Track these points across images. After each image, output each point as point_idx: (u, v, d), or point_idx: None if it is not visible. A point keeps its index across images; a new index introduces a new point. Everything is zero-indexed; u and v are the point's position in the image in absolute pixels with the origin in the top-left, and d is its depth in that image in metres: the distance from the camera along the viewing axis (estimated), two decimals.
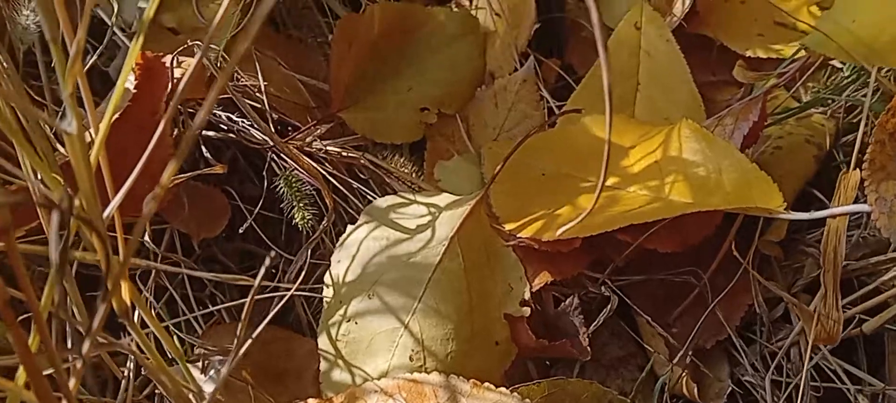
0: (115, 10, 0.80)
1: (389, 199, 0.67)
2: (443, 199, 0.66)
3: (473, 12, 0.85)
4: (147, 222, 0.69)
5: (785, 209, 0.57)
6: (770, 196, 0.58)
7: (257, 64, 0.75)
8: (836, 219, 0.55)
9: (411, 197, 0.67)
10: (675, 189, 0.63)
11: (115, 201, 0.44)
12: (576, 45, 0.86)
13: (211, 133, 0.77)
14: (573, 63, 0.86)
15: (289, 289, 0.64)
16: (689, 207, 0.60)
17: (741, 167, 0.61)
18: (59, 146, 0.71)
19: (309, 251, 0.71)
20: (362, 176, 0.75)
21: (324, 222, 0.70)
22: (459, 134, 0.76)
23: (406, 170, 0.76)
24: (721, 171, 0.62)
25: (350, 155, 0.72)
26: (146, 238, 0.69)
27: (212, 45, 0.76)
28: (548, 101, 0.77)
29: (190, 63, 0.75)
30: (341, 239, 0.67)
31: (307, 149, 0.73)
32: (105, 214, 0.44)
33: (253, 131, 0.72)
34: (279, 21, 0.88)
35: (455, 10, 0.85)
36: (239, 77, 0.76)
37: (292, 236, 0.80)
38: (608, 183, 0.67)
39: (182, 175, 0.70)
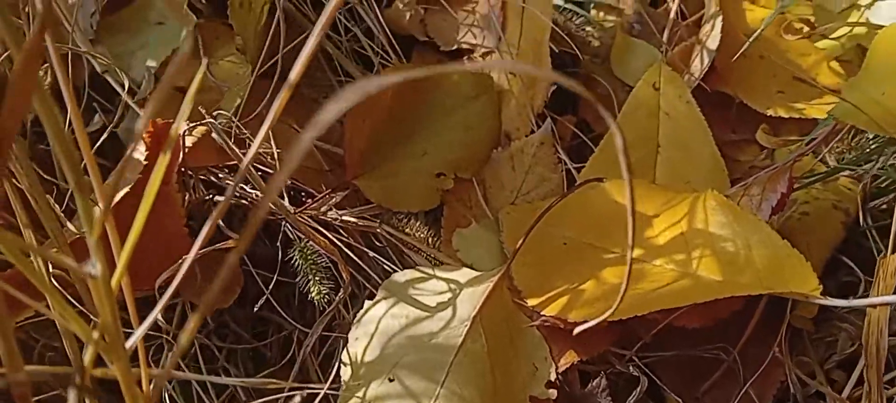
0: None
1: (408, 274, 0.65)
2: (463, 275, 0.64)
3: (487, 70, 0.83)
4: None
5: (820, 293, 0.55)
6: (804, 278, 0.56)
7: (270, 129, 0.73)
8: (877, 310, 0.52)
9: (430, 271, 0.65)
10: (703, 264, 0.61)
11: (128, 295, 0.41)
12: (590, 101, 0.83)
13: (222, 198, 0.75)
14: (588, 120, 0.83)
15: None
16: (720, 287, 0.58)
17: (772, 244, 0.59)
18: (69, 224, 0.68)
19: (324, 323, 0.68)
20: (379, 244, 0.72)
21: (339, 294, 0.67)
22: (476, 198, 0.73)
23: (422, 235, 0.73)
24: (750, 247, 0.60)
25: (366, 224, 0.69)
26: (159, 317, 0.66)
27: (222, 111, 0.73)
28: (565, 164, 0.74)
29: (201, 129, 0.72)
30: (359, 315, 0.64)
31: (322, 217, 0.70)
32: (113, 283, 0.41)
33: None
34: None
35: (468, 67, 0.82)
36: (250, 142, 0.73)
37: (306, 300, 0.77)
38: (632, 254, 0.64)
39: (198, 251, 0.67)
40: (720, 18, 0.77)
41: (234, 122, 0.72)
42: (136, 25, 0.89)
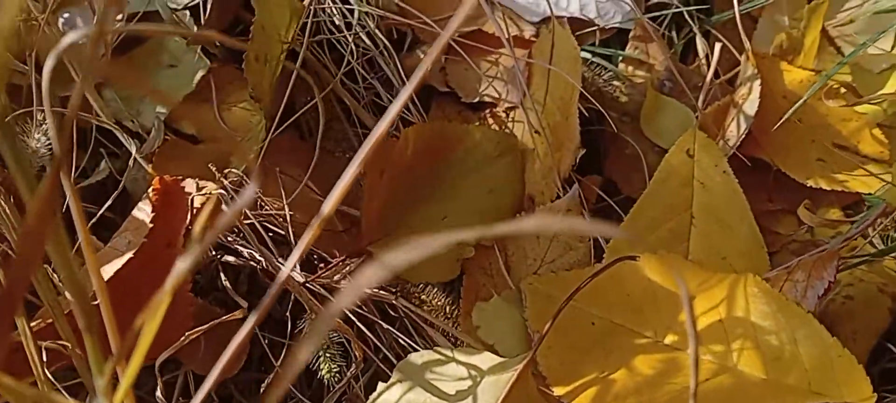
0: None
1: (425, 355, 0.60)
2: (485, 360, 0.58)
3: (510, 125, 0.78)
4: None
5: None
6: (857, 384, 0.51)
7: (282, 188, 0.68)
8: None
9: (449, 353, 0.59)
10: (745, 359, 0.55)
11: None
12: (617, 160, 0.78)
13: (230, 258, 0.70)
14: (615, 180, 0.78)
15: None
16: (764, 388, 0.52)
17: (821, 341, 0.53)
18: (66, 294, 0.63)
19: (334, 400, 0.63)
20: (394, 314, 0.67)
21: (351, 369, 0.62)
22: (498, 266, 0.68)
23: (440, 303, 0.68)
24: (796, 343, 0.54)
25: (381, 295, 0.64)
26: (158, 395, 0.61)
27: (233, 170, 0.68)
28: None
29: (210, 188, 0.67)
30: (372, 397, 0.59)
31: (334, 285, 0.65)
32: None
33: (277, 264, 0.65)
34: (306, 129, 0.81)
35: (491, 126, 0.77)
36: (262, 201, 0.69)
37: (315, 371, 0.72)
38: (667, 341, 0.59)
39: (202, 327, 0.62)
40: (758, 82, 0.72)
41: (247, 182, 0.67)
42: (147, 67, 0.84)
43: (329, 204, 0.33)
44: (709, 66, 0.82)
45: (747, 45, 0.77)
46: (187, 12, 0.84)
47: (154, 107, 0.81)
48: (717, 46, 0.75)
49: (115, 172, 0.78)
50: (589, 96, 0.78)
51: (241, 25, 0.86)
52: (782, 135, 0.74)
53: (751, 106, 0.71)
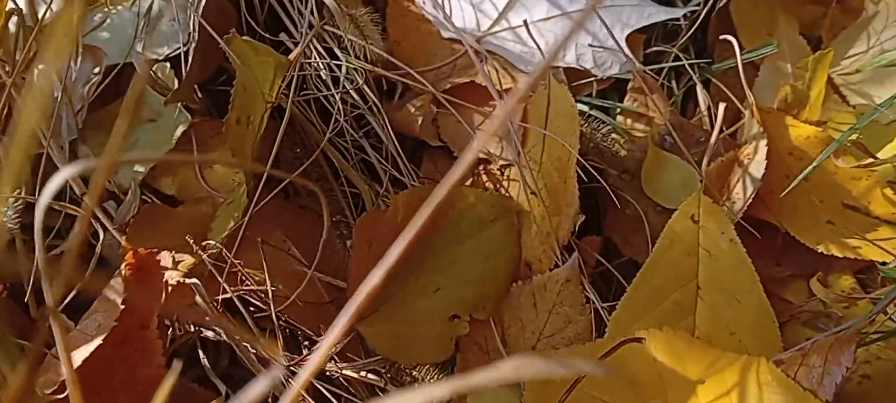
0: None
1: None
2: None
3: (505, 184, 0.73)
4: None
5: None
6: None
7: (264, 260, 0.63)
8: None
9: None
10: None
11: None
12: (618, 220, 0.74)
13: (209, 333, 0.65)
14: (616, 240, 0.73)
15: None
16: None
17: None
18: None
19: None
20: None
21: None
22: (494, 341, 0.63)
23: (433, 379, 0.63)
24: None
25: (370, 379, 0.59)
26: None
27: (210, 241, 0.63)
28: (594, 303, 0.65)
29: (187, 262, 0.62)
30: None
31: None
32: None
33: (258, 347, 0.60)
34: (291, 189, 0.76)
35: (486, 184, 0.73)
36: (242, 276, 0.64)
37: None
38: None
39: None
40: (764, 142, 0.67)
41: (226, 256, 0.62)
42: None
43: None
44: (712, 121, 0.77)
45: (751, 98, 0.73)
46: (168, 64, 0.80)
47: (132, 164, 0.77)
48: (721, 107, 0.71)
49: (89, 237, 0.73)
50: (587, 153, 0.73)
51: (225, 75, 0.82)
52: (789, 195, 0.70)
53: (757, 168, 0.67)
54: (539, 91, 0.72)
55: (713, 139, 0.68)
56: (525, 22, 0.76)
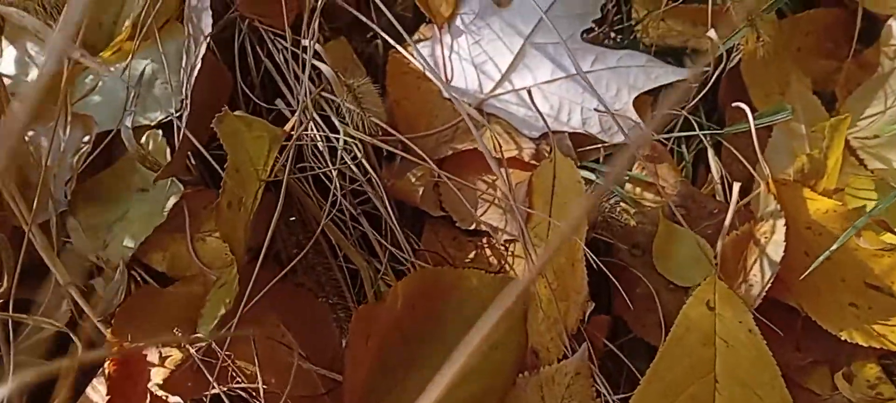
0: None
1: None
2: None
3: (510, 260, 0.69)
4: None
5: None
6: None
7: (256, 356, 0.59)
8: None
9: None
10: None
11: None
12: (628, 298, 0.69)
13: None
14: (626, 319, 0.69)
15: None
16: None
17: None
18: None
19: None
20: None
21: None
22: None
23: None
24: None
25: None
26: None
27: (199, 337, 0.59)
28: (606, 397, 0.60)
29: (176, 357, 0.58)
30: None
31: None
32: None
33: None
34: (286, 262, 0.72)
35: (489, 258, 0.69)
36: (231, 369, 0.59)
37: None
38: None
39: None
40: (782, 222, 0.63)
41: (218, 351, 0.58)
42: (116, 192, 0.75)
43: None
44: (725, 191, 0.73)
45: (766, 170, 0.68)
46: (160, 132, 0.76)
47: (122, 238, 0.72)
48: (736, 187, 0.66)
49: (74, 316, 0.69)
50: (595, 226, 0.69)
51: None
52: (811, 276, 0.65)
53: (775, 250, 0.62)
54: (544, 163, 0.68)
55: (728, 220, 0.63)
56: (529, 92, 0.72)
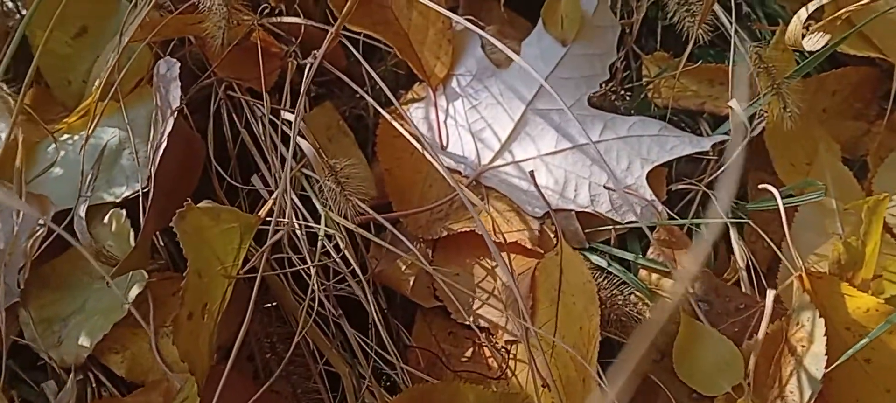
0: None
1: None
2: None
3: (512, 364, 0.60)
4: None
5: None
6: None
7: None
8: None
9: None
10: None
11: None
12: None
13: None
14: None
15: None
16: None
17: None
18: None
19: None
20: None
21: None
22: None
23: None
24: None
25: None
26: None
27: None
28: None
29: None
30: None
31: None
32: None
33: None
34: (261, 366, 0.63)
35: (488, 359, 0.60)
36: None
37: None
38: None
39: None
40: (822, 329, 0.54)
41: None
42: (74, 280, 0.66)
43: None
44: (751, 278, 0.64)
45: (799, 261, 0.60)
46: (123, 212, 0.67)
47: (78, 334, 0.64)
48: (769, 296, 0.58)
49: None
50: (608, 323, 0.60)
51: None
52: (846, 380, 0.56)
53: (815, 363, 0.53)
54: (549, 257, 0.60)
55: (761, 334, 0.54)
56: (532, 174, 0.63)
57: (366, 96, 0.72)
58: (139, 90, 0.74)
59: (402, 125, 0.73)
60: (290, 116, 0.63)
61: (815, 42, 0.60)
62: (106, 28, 0.78)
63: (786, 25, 0.74)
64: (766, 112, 0.69)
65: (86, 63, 0.79)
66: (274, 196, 0.61)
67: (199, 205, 0.54)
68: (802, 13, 0.60)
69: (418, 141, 0.71)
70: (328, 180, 0.60)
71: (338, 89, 0.80)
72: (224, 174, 0.66)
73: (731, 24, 0.72)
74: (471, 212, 0.62)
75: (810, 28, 0.61)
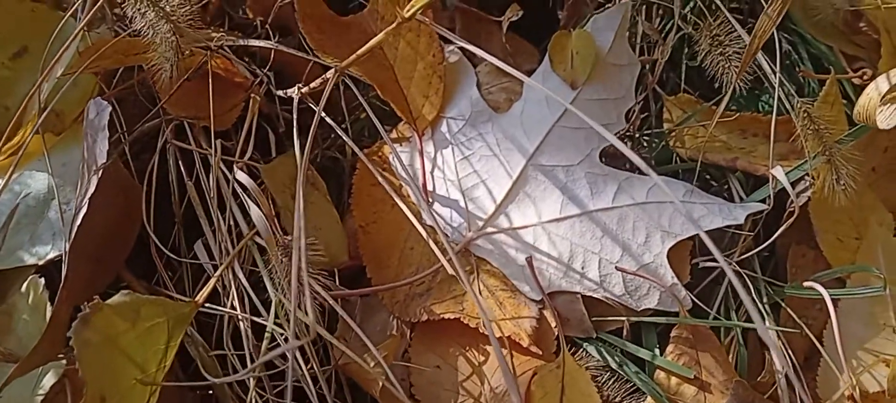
0: None
1: None
2: None
3: None
4: None
5: None
6: None
7: None
8: None
9: None
10: None
11: None
12: None
13: None
14: None
15: None
16: None
17: None
18: None
19: None
20: None
21: None
22: None
23: None
24: None
25: None
26: None
27: None
28: None
29: None
30: None
31: None
32: None
33: None
34: None
35: None
36: None
37: None
38: None
39: None
40: None
41: None
42: None
43: None
44: (790, 382, 0.52)
45: (842, 359, 0.47)
46: (42, 281, 0.55)
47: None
48: None
49: None
50: None
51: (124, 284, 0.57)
52: None
53: None
54: (548, 368, 0.47)
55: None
56: (530, 261, 0.51)
57: (343, 135, 0.60)
58: (76, 127, 0.61)
59: (382, 172, 0.61)
60: (243, 178, 0.51)
61: (890, 119, 0.47)
62: (49, 49, 0.66)
63: (836, 72, 0.61)
64: (813, 178, 0.57)
65: (25, 87, 0.67)
66: (217, 273, 0.49)
67: (111, 301, 0.42)
68: (882, 83, 0.47)
69: (399, 194, 0.58)
70: (280, 256, 0.47)
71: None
72: (162, 247, 0.54)
73: (773, 70, 0.60)
74: (462, 286, 0.50)
75: (885, 101, 0.48)
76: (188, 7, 0.56)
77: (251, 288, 0.49)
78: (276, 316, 0.47)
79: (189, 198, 0.55)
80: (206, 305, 0.48)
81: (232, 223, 0.52)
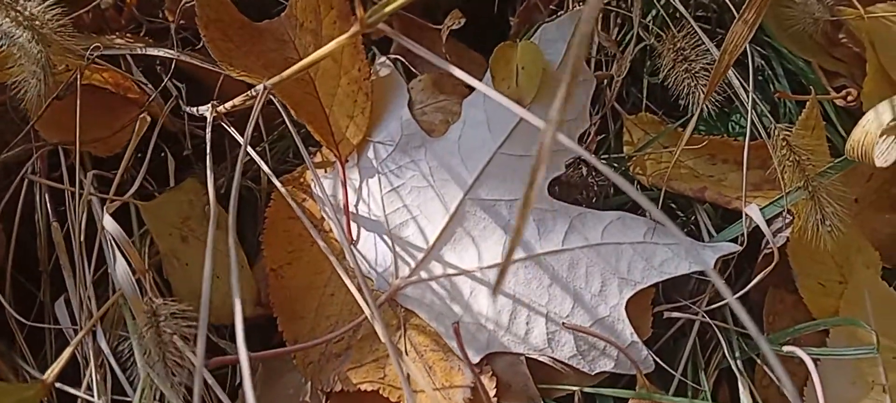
0: None
1: None
2: None
3: None
4: None
5: None
6: None
7: None
8: None
9: None
10: None
11: None
12: None
13: None
14: None
15: None
16: None
17: None
18: None
19: None
20: None
21: None
22: None
23: None
24: None
25: None
26: None
27: None
28: None
29: None
30: None
31: None
32: None
33: None
34: None
35: None
36: None
37: None
38: None
39: None
40: None
41: None
42: None
43: None
44: None
45: None
46: None
47: None
48: None
49: None
50: None
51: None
52: None
53: None
54: None
55: None
56: (456, 328, 0.41)
57: (257, 158, 0.49)
58: None
59: (301, 204, 0.51)
60: (110, 224, 0.40)
61: (888, 154, 0.38)
62: None
63: (816, 91, 0.53)
64: (791, 214, 0.48)
65: None
66: (72, 344, 0.38)
67: None
68: (884, 112, 0.38)
69: (320, 229, 0.49)
70: (146, 324, 0.37)
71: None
72: (14, 314, 0.43)
73: (745, 89, 0.51)
74: (387, 342, 0.40)
75: (882, 134, 0.39)
76: (58, 11, 0.45)
77: (117, 363, 0.38)
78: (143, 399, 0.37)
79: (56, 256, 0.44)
80: (59, 384, 0.37)
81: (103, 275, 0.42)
